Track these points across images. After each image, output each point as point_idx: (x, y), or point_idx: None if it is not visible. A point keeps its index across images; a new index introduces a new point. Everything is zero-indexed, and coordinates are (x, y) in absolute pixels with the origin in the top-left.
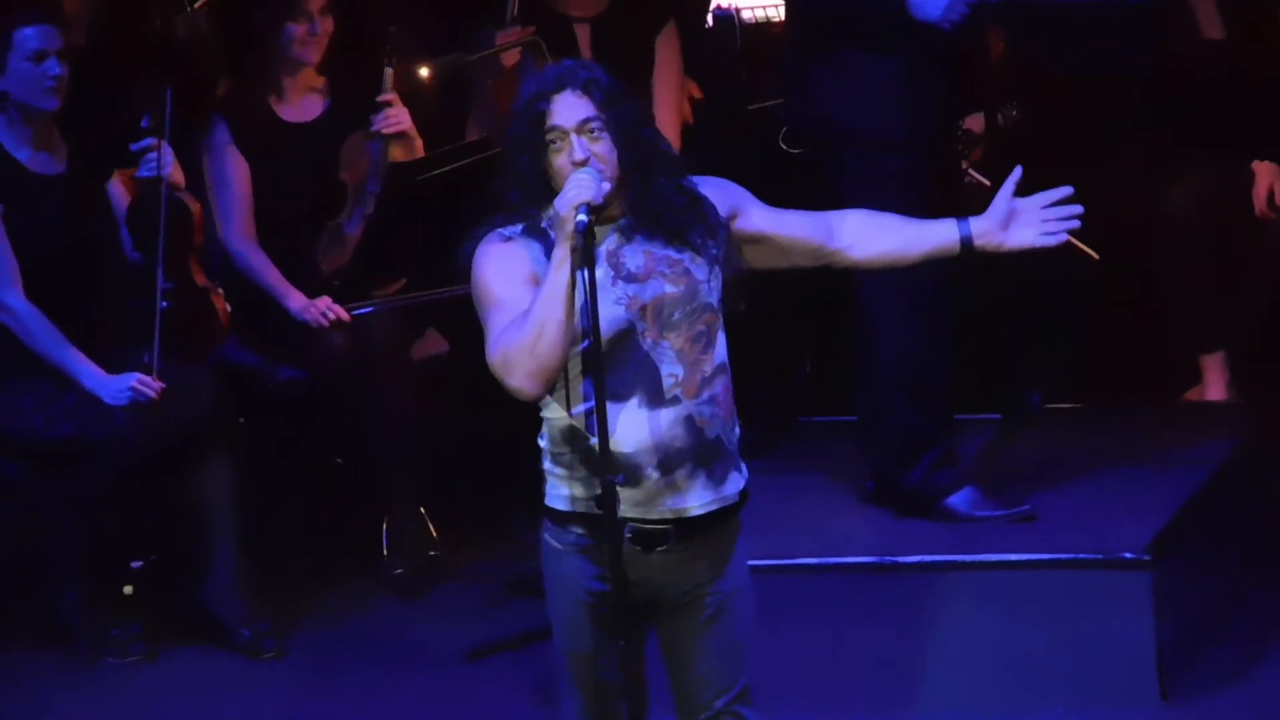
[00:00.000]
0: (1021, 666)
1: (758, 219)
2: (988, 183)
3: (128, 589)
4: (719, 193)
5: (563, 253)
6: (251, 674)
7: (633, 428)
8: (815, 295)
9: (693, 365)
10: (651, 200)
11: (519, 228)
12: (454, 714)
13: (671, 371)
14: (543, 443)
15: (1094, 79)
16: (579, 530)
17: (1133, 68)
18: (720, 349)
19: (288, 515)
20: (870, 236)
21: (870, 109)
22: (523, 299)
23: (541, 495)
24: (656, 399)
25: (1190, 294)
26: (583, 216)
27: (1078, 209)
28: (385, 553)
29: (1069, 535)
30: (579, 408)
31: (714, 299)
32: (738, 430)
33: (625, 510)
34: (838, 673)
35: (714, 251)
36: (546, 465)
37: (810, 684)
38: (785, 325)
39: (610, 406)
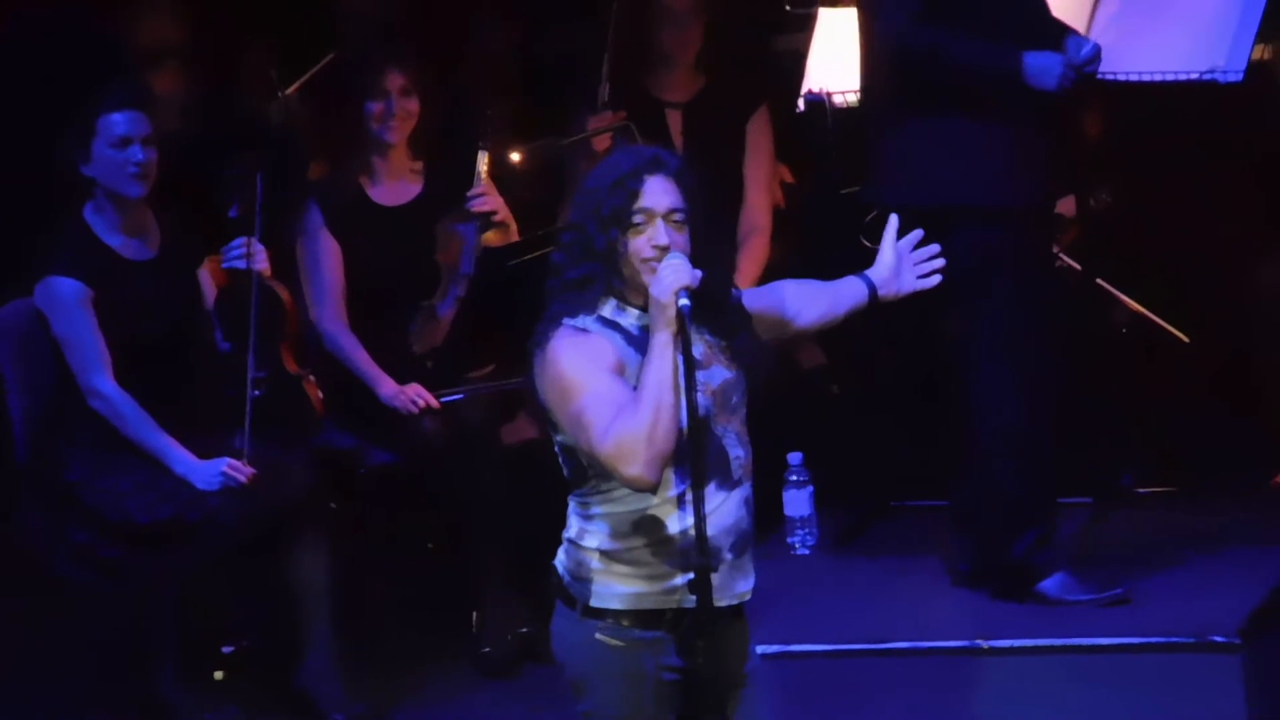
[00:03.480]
0: None
1: (748, 301)
2: (1079, 267)
3: (218, 674)
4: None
5: (665, 337)
6: None
7: (714, 512)
8: (909, 378)
9: (748, 447)
10: (712, 293)
11: (590, 318)
12: None
13: (737, 454)
14: (590, 542)
15: (1188, 160)
16: (638, 626)
17: (1226, 152)
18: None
19: (382, 598)
20: (808, 303)
21: (984, 179)
22: (615, 389)
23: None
24: (727, 482)
25: None
26: (685, 301)
27: (935, 249)
28: (474, 631)
29: (1160, 618)
30: (669, 494)
31: (754, 381)
32: None
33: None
34: None
35: (744, 340)
36: (595, 565)
37: None
38: (880, 409)
39: (690, 494)
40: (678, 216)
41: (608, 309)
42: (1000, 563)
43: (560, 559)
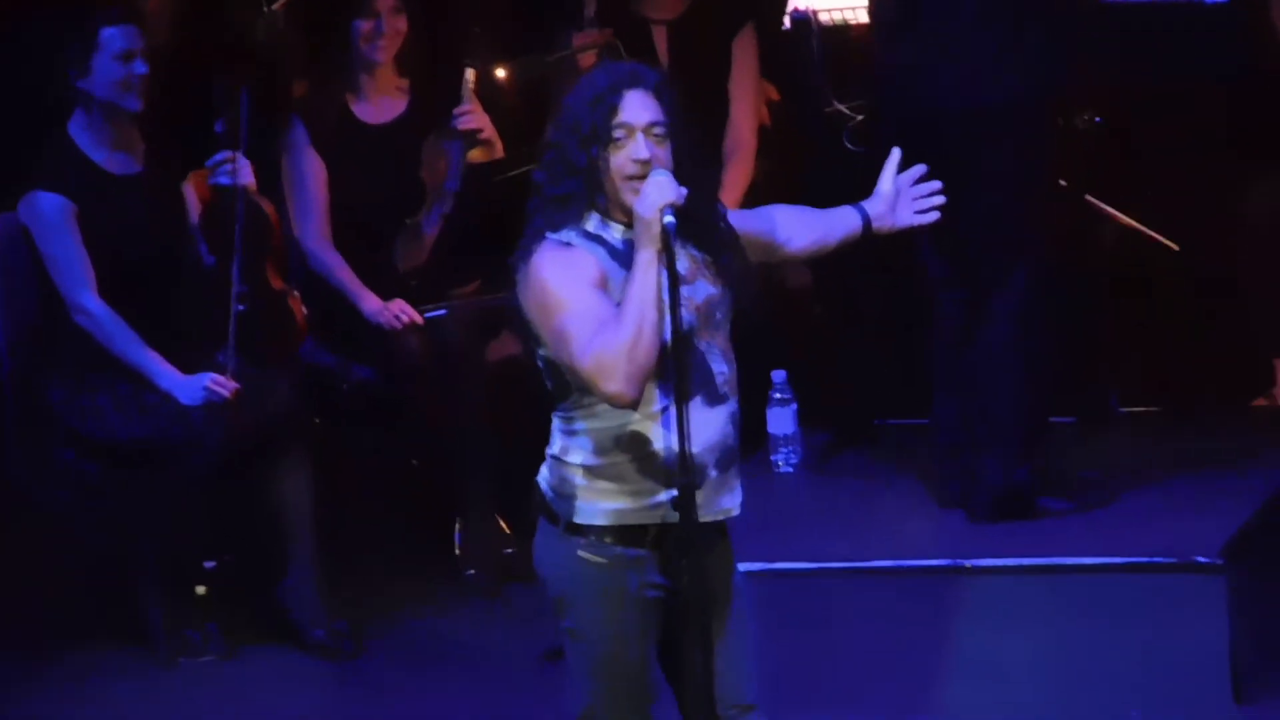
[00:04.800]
0: (1095, 670)
1: (737, 222)
2: (1064, 184)
3: (201, 589)
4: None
5: (649, 254)
6: (326, 674)
7: (698, 427)
8: (895, 299)
9: (732, 364)
10: (697, 209)
11: (573, 232)
12: (528, 714)
13: (721, 370)
14: (574, 458)
15: (1175, 84)
16: (621, 543)
17: (1213, 73)
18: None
19: (363, 516)
20: (799, 229)
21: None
22: (596, 304)
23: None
24: (713, 398)
25: (1268, 298)
26: (670, 218)
27: (937, 185)
28: (458, 553)
29: (1145, 539)
30: (652, 409)
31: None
32: None
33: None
34: (910, 675)
35: (729, 258)
36: (578, 481)
37: (883, 686)
38: (865, 328)
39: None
40: (658, 130)
41: (591, 223)
42: (997, 481)
43: (543, 475)
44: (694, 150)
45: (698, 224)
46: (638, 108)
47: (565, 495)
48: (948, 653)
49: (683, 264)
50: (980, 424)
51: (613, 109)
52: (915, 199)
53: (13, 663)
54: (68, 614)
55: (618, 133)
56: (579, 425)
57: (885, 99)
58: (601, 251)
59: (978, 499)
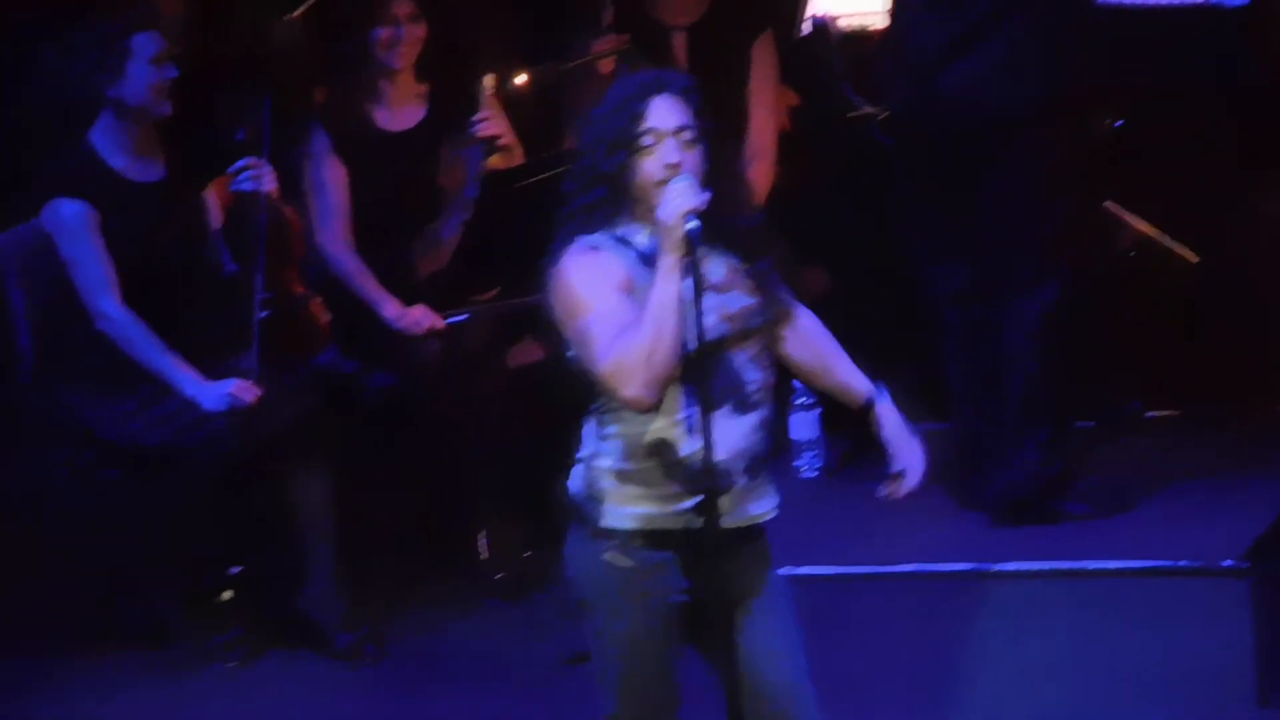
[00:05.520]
0: (1118, 675)
1: None
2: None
3: (226, 595)
4: None
5: (671, 260)
6: (349, 680)
7: (726, 435)
8: (908, 306)
9: (766, 372)
10: (729, 214)
11: (604, 237)
12: (551, 719)
13: (753, 377)
14: (604, 462)
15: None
16: (648, 547)
17: (1222, 77)
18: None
19: (385, 521)
20: (805, 341)
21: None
22: (619, 308)
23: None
24: (742, 406)
25: None
26: (694, 223)
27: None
28: (484, 558)
29: (1167, 543)
30: (678, 416)
31: (784, 305)
32: None
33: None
34: (933, 679)
35: (769, 271)
36: (607, 485)
37: (905, 690)
38: (880, 333)
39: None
40: (687, 134)
41: (621, 229)
42: (1020, 486)
43: (573, 479)
44: (725, 155)
45: (731, 230)
46: (665, 112)
47: (595, 498)
48: (971, 657)
49: (719, 272)
50: (1003, 429)
51: (640, 115)
52: (909, 459)
53: (33, 667)
54: (88, 618)
55: (646, 139)
56: (610, 429)
57: (899, 105)
58: (631, 256)
59: (1000, 502)
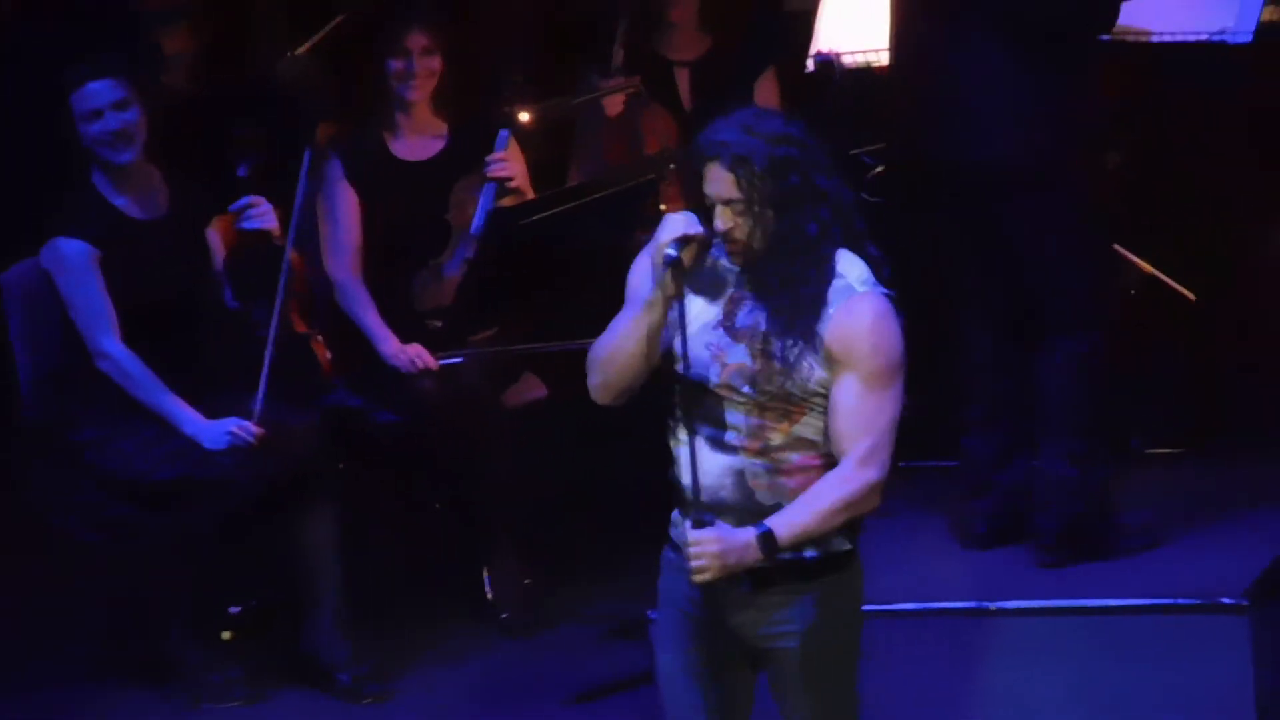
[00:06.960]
0: (1121, 710)
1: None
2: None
3: (226, 635)
4: (845, 323)
5: (656, 295)
6: (353, 718)
7: (706, 468)
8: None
9: (759, 426)
10: (783, 274)
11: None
12: None
13: (735, 422)
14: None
15: (1198, 122)
16: (674, 549)
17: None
18: (806, 431)
19: (390, 559)
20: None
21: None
22: (627, 307)
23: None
24: (716, 442)
25: None
26: (670, 250)
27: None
28: (489, 596)
29: (1168, 580)
30: (679, 436)
31: (795, 391)
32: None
33: None
34: (935, 717)
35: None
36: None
37: None
38: None
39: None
40: (735, 207)
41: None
42: (1022, 525)
43: None
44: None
45: (781, 290)
46: (714, 182)
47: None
48: (972, 695)
49: (747, 320)
50: (1006, 468)
51: (701, 179)
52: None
53: (38, 703)
54: (93, 655)
55: (709, 202)
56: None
57: (909, 148)
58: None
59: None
